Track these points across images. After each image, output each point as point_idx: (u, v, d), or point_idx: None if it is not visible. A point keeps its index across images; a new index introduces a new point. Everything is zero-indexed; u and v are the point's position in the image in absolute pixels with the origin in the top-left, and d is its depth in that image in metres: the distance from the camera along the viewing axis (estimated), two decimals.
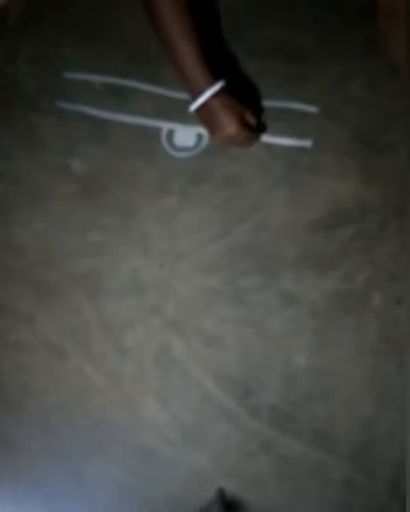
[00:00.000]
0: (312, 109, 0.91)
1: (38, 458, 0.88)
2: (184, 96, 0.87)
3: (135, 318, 0.89)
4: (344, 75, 0.91)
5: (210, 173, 0.91)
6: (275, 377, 0.87)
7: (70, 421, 0.88)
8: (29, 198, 0.93)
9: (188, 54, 0.80)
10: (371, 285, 0.88)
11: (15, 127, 0.94)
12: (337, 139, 0.90)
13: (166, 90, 0.92)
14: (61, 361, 0.89)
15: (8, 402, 0.89)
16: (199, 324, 0.89)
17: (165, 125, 0.93)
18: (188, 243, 0.90)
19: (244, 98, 0.86)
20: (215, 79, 0.82)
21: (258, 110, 0.90)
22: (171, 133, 0.92)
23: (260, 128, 0.89)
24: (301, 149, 0.90)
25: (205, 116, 0.84)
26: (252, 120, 0.86)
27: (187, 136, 0.92)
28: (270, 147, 0.91)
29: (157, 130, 0.93)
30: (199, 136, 0.92)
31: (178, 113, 0.91)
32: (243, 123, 0.84)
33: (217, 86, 0.81)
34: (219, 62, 0.83)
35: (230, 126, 0.82)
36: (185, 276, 0.90)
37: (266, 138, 0.91)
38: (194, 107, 0.83)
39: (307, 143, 0.90)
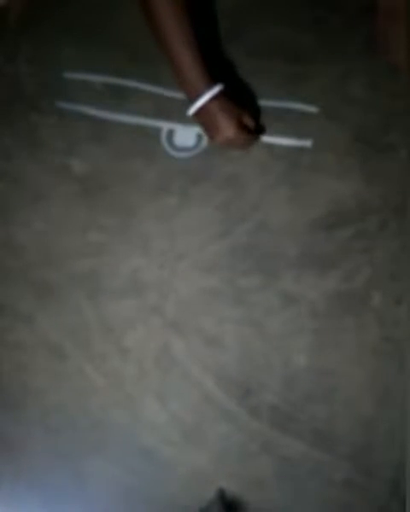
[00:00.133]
0: (312, 109, 0.91)
1: (38, 458, 0.88)
2: (184, 95, 0.87)
3: (135, 318, 0.89)
4: (344, 75, 0.91)
5: (210, 173, 0.91)
6: (275, 377, 0.87)
7: (70, 421, 0.88)
8: (29, 198, 0.93)
9: (185, 55, 0.80)
10: (371, 285, 0.87)
11: (15, 127, 0.94)
12: (337, 139, 0.90)
13: (166, 90, 0.92)
14: (61, 361, 0.89)
15: (7, 402, 0.89)
16: (199, 324, 0.89)
17: (165, 125, 0.93)
18: (188, 243, 0.90)
19: (242, 101, 0.86)
20: (213, 82, 0.81)
21: (256, 112, 0.90)
22: (171, 133, 0.92)
23: (259, 130, 0.89)
24: (301, 149, 0.90)
25: (203, 119, 0.84)
26: (250, 123, 0.86)
27: (187, 136, 0.92)
28: (270, 147, 0.91)
29: (157, 130, 0.93)
30: (199, 136, 0.92)
31: (178, 113, 0.91)
32: (242, 126, 0.84)
33: (215, 89, 0.81)
34: (217, 64, 0.83)
35: (228, 129, 0.82)
36: (185, 276, 0.90)
37: (266, 138, 0.91)
38: (192, 110, 0.83)
39: (307, 143, 0.90)
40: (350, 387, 0.86)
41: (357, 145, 0.90)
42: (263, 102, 0.91)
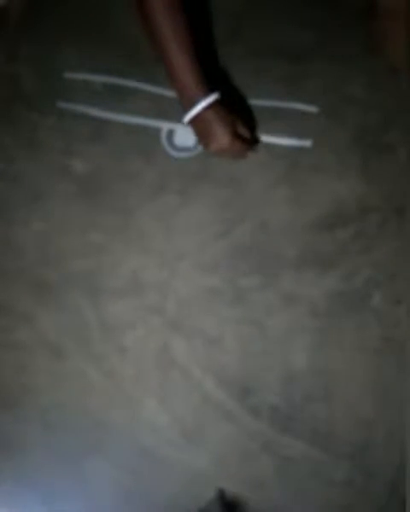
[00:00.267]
0: (312, 109, 0.91)
1: (38, 458, 0.88)
2: None
3: (135, 318, 0.89)
4: (344, 75, 0.91)
5: (210, 173, 0.91)
6: (275, 377, 0.87)
7: (70, 420, 0.88)
8: (28, 198, 0.93)
9: (181, 62, 0.79)
10: (371, 285, 0.88)
11: (15, 127, 0.94)
12: (337, 139, 0.90)
13: (166, 90, 0.92)
14: (60, 361, 0.89)
15: (7, 402, 0.89)
16: (199, 324, 0.89)
17: (165, 125, 0.93)
18: (188, 243, 0.90)
19: (237, 108, 0.85)
20: (209, 90, 0.80)
21: (251, 121, 0.90)
22: (171, 133, 0.92)
23: (253, 139, 0.89)
24: (301, 149, 0.90)
25: (198, 127, 0.83)
26: (245, 132, 0.85)
27: (187, 136, 0.92)
28: (270, 147, 0.91)
29: (157, 130, 0.93)
30: None
31: (178, 113, 0.90)
32: (237, 135, 0.83)
33: (211, 98, 0.80)
34: (217, 64, 0.83)
35: (223, 138, 0.82)
36: (185, 276, 0.90)
37: (266, 138, 0.91)
38: (187, 118, 0.82)
39: (307, 143, 0.90)
40: (350, 387, 0.86)
41: (357, 145, 0.90)
42: (263, 102, 0.91)
